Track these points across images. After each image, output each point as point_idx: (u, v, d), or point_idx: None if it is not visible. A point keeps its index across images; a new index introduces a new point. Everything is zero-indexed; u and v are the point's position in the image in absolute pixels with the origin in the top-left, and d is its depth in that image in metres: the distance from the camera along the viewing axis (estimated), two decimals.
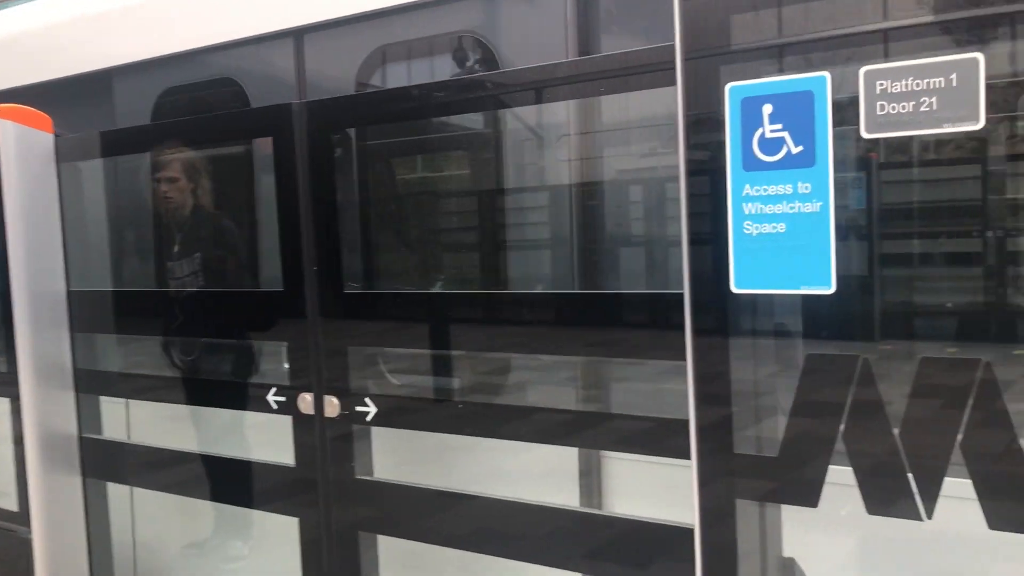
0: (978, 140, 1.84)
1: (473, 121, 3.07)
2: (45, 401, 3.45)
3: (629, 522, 2.27)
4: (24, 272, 3.42)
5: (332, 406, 2.86)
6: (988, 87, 1.62)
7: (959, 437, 1.72)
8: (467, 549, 2.57)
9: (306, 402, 2.90)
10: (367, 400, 2.79)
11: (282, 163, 2.85)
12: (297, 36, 3.39)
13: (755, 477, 1.94)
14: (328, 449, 2.87)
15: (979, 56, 1.64)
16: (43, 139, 3.49)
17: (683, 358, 1.99)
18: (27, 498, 3.41)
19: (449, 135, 3.21)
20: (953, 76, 1.66)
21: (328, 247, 2.80)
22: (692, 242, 1.96)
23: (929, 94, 1.68)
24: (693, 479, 2.01)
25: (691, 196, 1.96)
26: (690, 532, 2.05)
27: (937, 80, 1.67)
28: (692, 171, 1.95)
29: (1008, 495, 1.70)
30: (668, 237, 2.85)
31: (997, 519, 1.72)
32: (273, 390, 2.97)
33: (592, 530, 2.34)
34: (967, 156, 1.91)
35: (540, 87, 2.38)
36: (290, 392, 2.93)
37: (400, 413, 2.77)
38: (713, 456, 1.98)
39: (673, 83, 1.96)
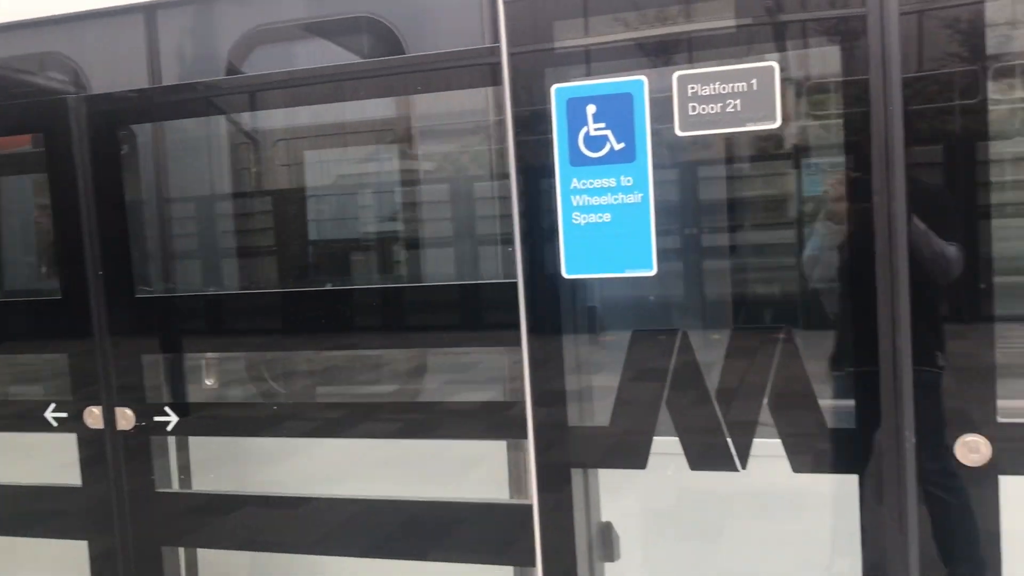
0: (776, 137, 2.12)
1: (258, 119, 3.01)
2: None
3: (468, 505, 2.37)
4: None
5: (125, 418, 2.70)
6: (783, 91, 1.89)
7: (765, 398, 1.99)
8: (294, 552, 2.54)
9: (93, 416, 2.71)
10: (167, 409, 2.67)
11: (58, 160, 2.64)
12: (149, 12, 3.08)
13: (588, 447, 2.11)
14: (122, 464, 2.71)
15: (775, 64, 1.90)
16: None
17: (518, 343, 2.12)
18: None
19: (231, 132, 3.12)
20: (754, 81, 1.91)
21: (115, 250, 2.64)
22: (524, 233, 2.09)
23: (734, 97, 1.92)
24: (530, 456, 2.15)
25: (521, 191, 2.08)
26: (529, 508, 2.18)
27: (740, 84, 1.92)
28: (522, 167, 2.08)
29: (807, 444, 1.99)
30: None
31: (799, 464, 2.00)
32: (52, 406, 2.75)
33: (425, 518, 2.41)
34: (768, 152, 2.19)
35: (349, 85, 2.40)
36: (73, 407, 2.72)
37: (207, 420, 2.67)
38: (548, 431, 2.12)
39: (500, 82, 2.08)
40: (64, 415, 2.75)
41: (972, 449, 1.88)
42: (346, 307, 2.47)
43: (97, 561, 2.77)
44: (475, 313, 2.32)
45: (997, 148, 1.89)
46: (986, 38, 1.81)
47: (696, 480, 2.11)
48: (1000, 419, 1.87)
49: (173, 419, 2.65)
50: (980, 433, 1.87)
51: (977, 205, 1.86)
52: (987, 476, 1.89)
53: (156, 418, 2.66)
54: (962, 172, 1.85)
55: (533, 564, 2.20)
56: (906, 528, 1.92)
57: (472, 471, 2.47)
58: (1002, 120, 2.12)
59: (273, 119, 3.07)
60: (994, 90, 1.87)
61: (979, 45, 1.81)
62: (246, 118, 2.97)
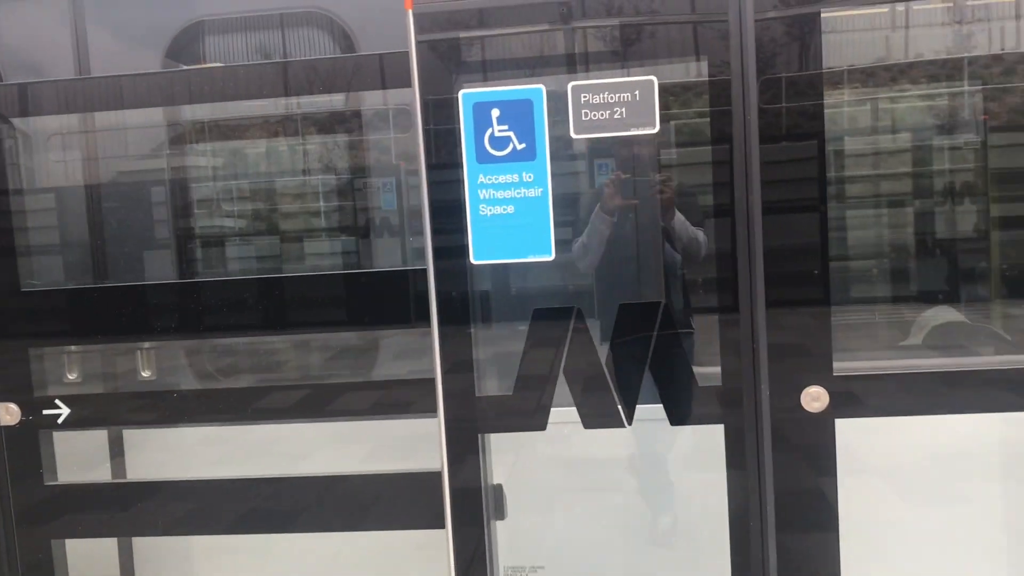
0: (656, 141, 2.45)
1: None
2: None
3: (378, 477, 2.55)
4: None
5: (10, 413, 2.67)
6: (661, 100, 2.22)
7: (648, 362, 2.32)
8: (202, 533, 2.63)
9: None
10: (58, 402, 2.67)
11: None
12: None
13: (495, 414, 2.37)
14: (7, 459, 2.68)
15: (654, 78, 2.22)
16: None
17: (428, 323, 2.33)
18: None
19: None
20: (637, 92, 2.23)
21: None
22: (434, 223, 2.31)
23: (620, 105, 2.23)
24: (440, 426, 2.37)
25: (431, 184, 2.31)
26: (438, 475, 2.40)
27: (625, 95, 2.23)
28: (431, 164, 2.30)
29: (682, 400, 2.34)
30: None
31: (675, 417, 2.35)
32: None
33: (338, 492, 2.57)
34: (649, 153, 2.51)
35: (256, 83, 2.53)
36: None
37: (102, 412, 2.69)
38: (457, 401, 2.36)
39: (409, 85, 2.29)
40: None
41: (814, 398, 2.30)
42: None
43: None
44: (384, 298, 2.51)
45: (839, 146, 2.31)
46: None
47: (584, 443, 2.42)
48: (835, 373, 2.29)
49: (65, 412, 2.66)
50: (820, 385, 2.29)
51: (821, 196, 2.27)
52: (826, 421, 2.31)
53: (46, 412, 2.66)
54: (807, 166, 2.25)
55: (443, 526, 2.43)
56: (763, 472, 2.31)
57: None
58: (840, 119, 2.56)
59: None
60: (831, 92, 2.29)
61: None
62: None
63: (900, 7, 2.97)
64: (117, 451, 3.12)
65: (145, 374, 3.04)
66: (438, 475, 2.41)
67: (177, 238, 3.34)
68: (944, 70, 3.10)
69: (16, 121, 2.77)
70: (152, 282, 3.05)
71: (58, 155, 3.22)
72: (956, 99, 3.15)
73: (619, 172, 2.51)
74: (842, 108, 3.10)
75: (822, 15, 2.20)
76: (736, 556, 2.35)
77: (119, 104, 2.54)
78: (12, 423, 2.68)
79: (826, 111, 2.23)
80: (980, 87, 3.12)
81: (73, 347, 2.96)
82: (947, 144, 3.22)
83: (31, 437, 2.68)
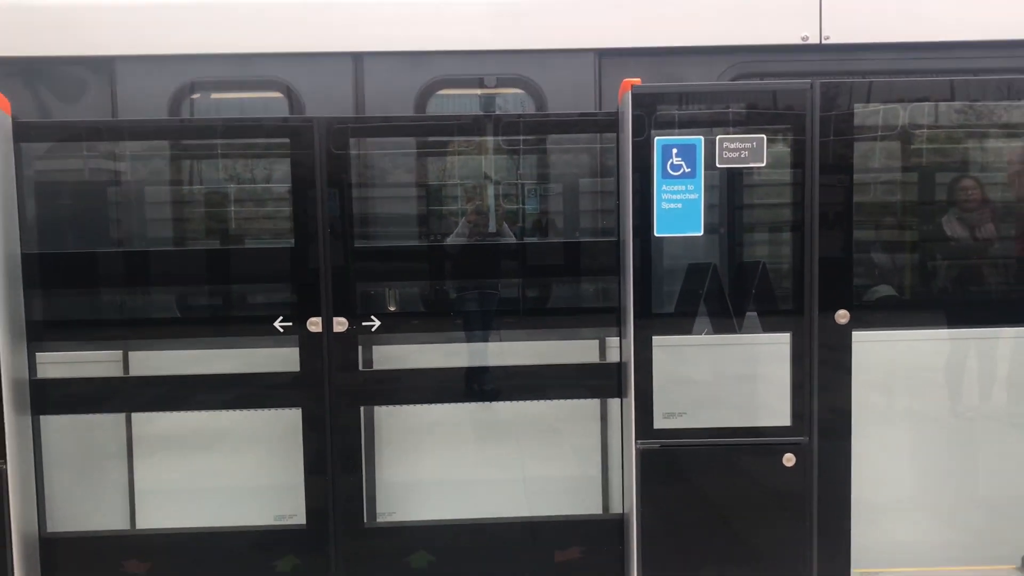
0: (759, 173, 4.14)
1: None
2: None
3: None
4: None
5: (341, 324, 4.18)
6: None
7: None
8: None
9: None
10: (372, 318, 4.20)
11: None
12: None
13: (661, 323, 4.05)
14: (338, 355, 4.19)
15: (764, 136, 3.95)
16: (5, 120, 4.05)
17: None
18: None
19: None
20: (754, 143, 3.95)
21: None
22: (635, 212, 3.97)
23: (745, 150, 3.96)
24: (629, 326, 4.04)
25: (634, 194, 3.97)
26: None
27: (748, 144, 3.95)
28: (638, 181, 3.97)
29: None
30: None
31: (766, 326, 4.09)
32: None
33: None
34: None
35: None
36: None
37: (397, 326, 4.26)
38: (644, 313, 4.02)
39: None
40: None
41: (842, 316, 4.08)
42: None
43: (308, 422, 4.22)
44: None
45: None
46: None
47: None
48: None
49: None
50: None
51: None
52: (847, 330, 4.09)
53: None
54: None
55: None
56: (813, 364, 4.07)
57: None
58: None
59: None
60: None
61: None
62: None
63: None
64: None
65: (391, 308, 4.55)
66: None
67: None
68: None
69: None
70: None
71: None
72: None
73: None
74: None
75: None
76: None
77: None
78: (342, 331, 4.20)
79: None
80: None
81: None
82: None
83: (352, 340, 4.21)
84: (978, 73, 4.50)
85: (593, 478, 4.53)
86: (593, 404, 4.49)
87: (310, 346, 4.17)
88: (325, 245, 4.11)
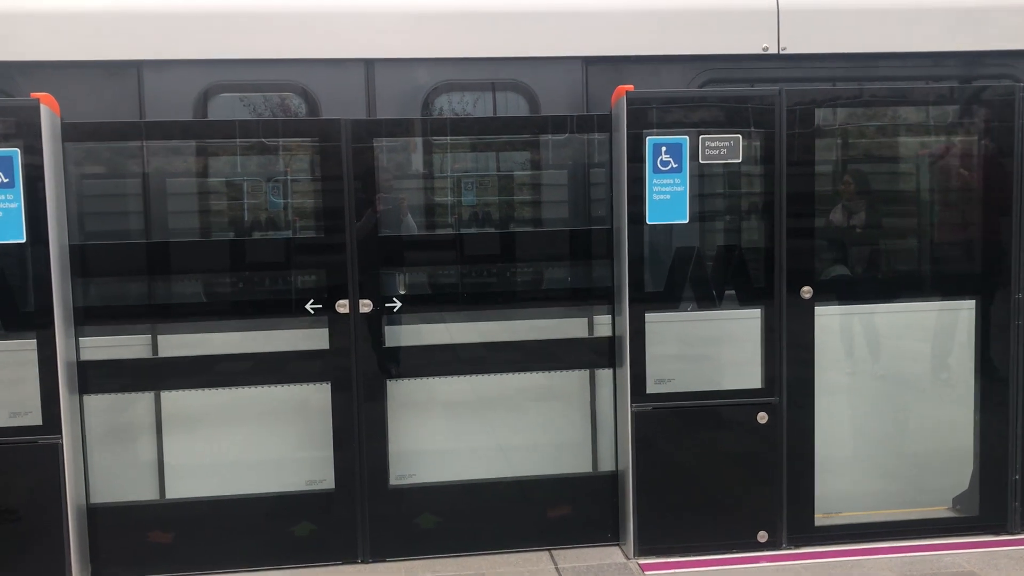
0: (738, 170, 4.72)
1: None
2: None
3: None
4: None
5: (366, 305, 4.62)
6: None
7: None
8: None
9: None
10: (394, 299, 4.64)
11: None
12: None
13: (651, 300, 4.61)
14: (366, 334, 4.63)
15: (739, 136, 4.53)
16: (55, 120, 4.37)
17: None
18: None
19: None
20: (731, 142, 4.53)
21: None
22: (629, 201, 4.51)
23: (723, 147, 4.54)
24: (624, 308, 4.59)
25: (629, 186, 4.50)
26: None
27: (726, 143, 4.53)
28: (631, 171, 4.51)
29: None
30: None
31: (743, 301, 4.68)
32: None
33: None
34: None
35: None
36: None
37: (419, 306, 4.71)
38: (637, 295, 4.57)
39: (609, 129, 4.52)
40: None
41: (807, 292, 4.70)
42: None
43: (336, 395, 4.66)
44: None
45: None
46: None
47: None
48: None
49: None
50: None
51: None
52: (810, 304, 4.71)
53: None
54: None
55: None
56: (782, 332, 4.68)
57: None
58: None
59: None
60: None
61: None
62: None
63: None
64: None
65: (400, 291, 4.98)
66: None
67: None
68: None
69: None
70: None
71: None
72: None
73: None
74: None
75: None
76: None
77: None
78: (367, 311, 4.64)
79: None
80: None
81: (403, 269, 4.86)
82: None
83: (377, 319, 4.66)
84: (912, 80, 5.20)
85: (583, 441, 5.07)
86: (581, 375, 5.03)
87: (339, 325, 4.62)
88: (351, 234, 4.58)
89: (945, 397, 5.16)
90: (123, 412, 4.75)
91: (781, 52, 5.15)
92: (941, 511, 5.11)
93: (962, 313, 4.98)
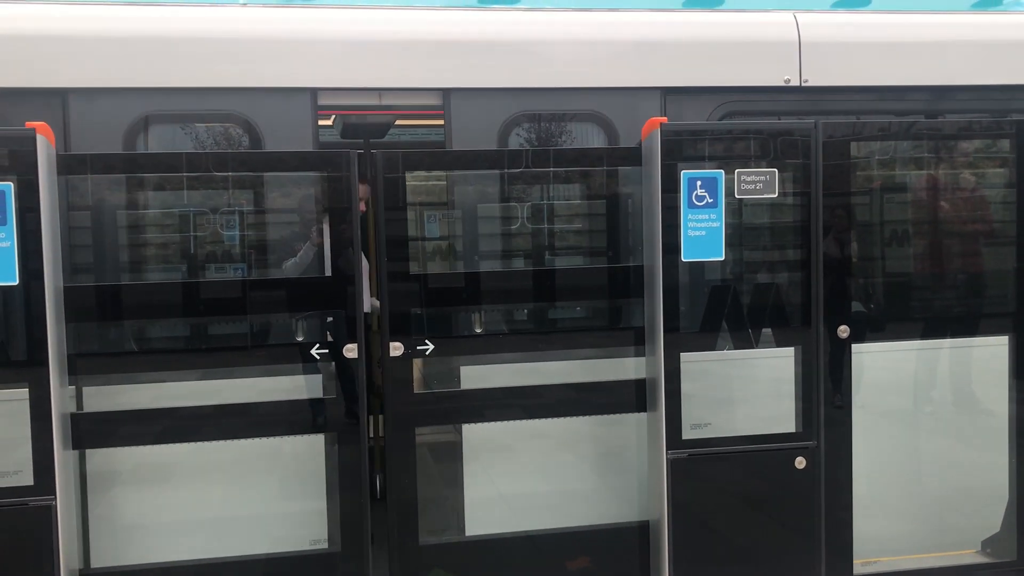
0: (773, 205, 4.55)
1: None
2: None
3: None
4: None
5: (397, 349, 4.34)
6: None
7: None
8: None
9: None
10: (427, 341, 4.36)
11: None
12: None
13: (686, 340, 4.40)
14: (393, 377, 4.34)
15: (776, 170, 4.38)
16: (50, 152, 4.02)
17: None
18: None
19: None
20: (767, 176, 4.37)
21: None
22: (664, 235, 4.31)
23: (760, 182, 4.37)
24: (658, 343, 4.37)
25: (664, 211, 4.30)
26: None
27: (763, 177, 4.37)
28: (665, 207, 4.31)
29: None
30: None
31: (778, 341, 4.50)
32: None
33: None
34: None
35: None
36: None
37: (454, 350, 4.43)
38: (674, 331, 4.36)
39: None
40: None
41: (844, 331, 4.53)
42: None
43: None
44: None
45: None
46: None
47: None
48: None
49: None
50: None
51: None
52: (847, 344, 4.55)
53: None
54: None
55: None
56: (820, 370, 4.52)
57: None
58: None
59: None
60: None
61: None
62: None
63: None
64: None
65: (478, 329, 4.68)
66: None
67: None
68: None
69: None
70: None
71: None
72: None
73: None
74: None
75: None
76: None
77: None
78: (398, 355, 4.35)
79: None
80: None
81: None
82: None
83: (407, 363, 4.37)
84: (936, 113, 5.14)
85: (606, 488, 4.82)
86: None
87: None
88: None
89: (974, 436, 5.04)
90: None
91: (803, 84, 5.04)
92: (970, 555, 4.97)
93: (997, 350, 4.87)
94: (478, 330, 4.54)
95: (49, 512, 3.91)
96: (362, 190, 4.97)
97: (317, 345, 4.33)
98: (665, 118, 4.39)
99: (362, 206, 5.04)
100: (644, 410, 4.62)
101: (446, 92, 4.78)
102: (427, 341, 4.42)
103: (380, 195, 4.38)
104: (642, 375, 4.61)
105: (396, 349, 4.39)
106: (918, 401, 4.98)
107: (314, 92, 4.65)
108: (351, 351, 4.30)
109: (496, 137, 4.80)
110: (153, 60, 4.49)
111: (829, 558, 4.60)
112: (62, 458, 3.97)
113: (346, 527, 4.36)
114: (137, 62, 4.47)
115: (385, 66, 4.72)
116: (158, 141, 4.56)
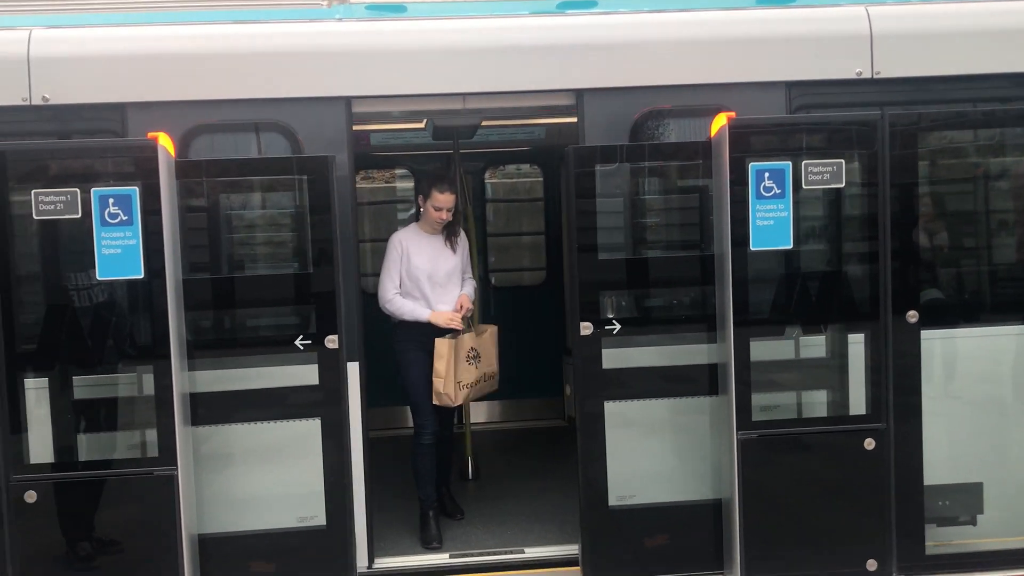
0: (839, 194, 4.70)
1: None
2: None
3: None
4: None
5: (586, 328, 4.70)
6: None
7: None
8: None
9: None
10: (614, 321, 4.66)
11: None
12: None
13: (756, 325, 4.58)
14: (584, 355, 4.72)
15: (843, 160, 4.52)
16: (170, 160, 4.48)
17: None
18: None
19: None
20: (834, 167, 4.52)
21: None
22: (733, 226, 4.50)
23: (827, 172, 4.53)
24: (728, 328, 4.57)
25: (734, 205, 4.50)
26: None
27: (829, 168, 4.52)
28: (734, 199, 4.51)
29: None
30: None
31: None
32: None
33: None
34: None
35: None
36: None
37: (635, 328, 4.71)
38: (742, 315, 4.56)
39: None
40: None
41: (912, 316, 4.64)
42: None
43: None
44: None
45: None
46: None
47: None
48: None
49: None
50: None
51: None
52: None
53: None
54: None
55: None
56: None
57: None
58: None
59: None
60: None
61: None
62: None
63: None
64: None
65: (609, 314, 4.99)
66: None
67: None
68: None
69: None
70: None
71: None
72: None
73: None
74: None
75: None
76: None
77: None
78: (587, 334, 4.72)
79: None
80: None
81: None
82: None
83: (597, 343, 4.73)
84: (1007, 101, 5.16)
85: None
86: None
87: None
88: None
89: None
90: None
91: (875, 76, 5.14)
92: None
93: None
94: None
95: (171, 481, 4.37)
96: (444, 199, 5.31)
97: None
98: (733, 112, 4.58)
99: (444, 214, 5.42)
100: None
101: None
102: (614, 321, 4.77)
103: (571, 188, 4.78)
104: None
105: (586, 329, 4.74)
106: (986, 387, 5.03)
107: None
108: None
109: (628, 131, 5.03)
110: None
111: (900, 538, 4.72)
112: (182, 433, 4.42)
113: None
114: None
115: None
116: None
